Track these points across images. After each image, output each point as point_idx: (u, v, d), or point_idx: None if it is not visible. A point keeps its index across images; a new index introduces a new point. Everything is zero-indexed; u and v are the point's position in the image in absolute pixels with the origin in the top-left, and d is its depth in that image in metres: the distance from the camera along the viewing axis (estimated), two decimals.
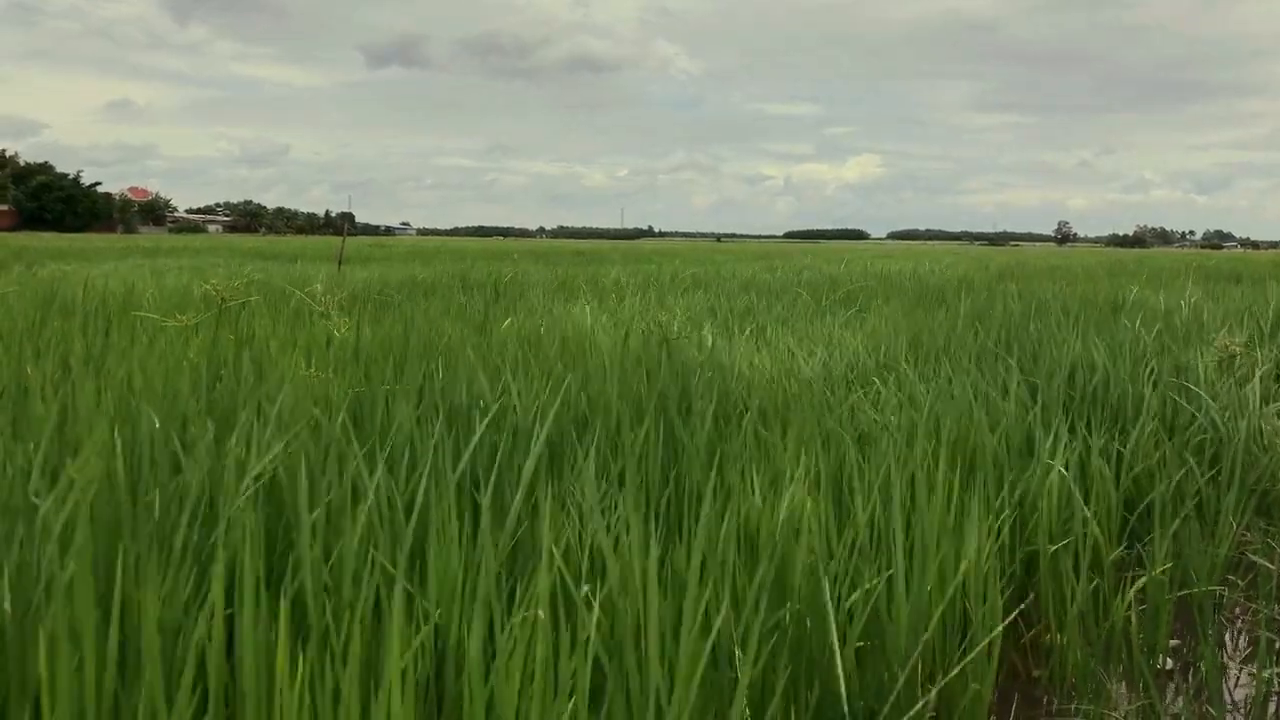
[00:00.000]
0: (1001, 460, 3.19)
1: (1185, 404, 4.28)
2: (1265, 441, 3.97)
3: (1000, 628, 2.34)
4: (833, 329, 6.58)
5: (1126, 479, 3.54)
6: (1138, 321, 6.51)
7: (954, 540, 2.39)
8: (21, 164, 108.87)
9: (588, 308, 7.43)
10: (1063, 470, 3.02)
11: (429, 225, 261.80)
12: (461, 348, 4.35)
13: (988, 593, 2.36)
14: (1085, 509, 2.98)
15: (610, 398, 3.32)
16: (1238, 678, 2.85)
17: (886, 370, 4.56)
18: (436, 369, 3.90)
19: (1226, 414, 4.08)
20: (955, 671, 2.19)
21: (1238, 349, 4.67)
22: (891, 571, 2.20)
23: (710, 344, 5.07)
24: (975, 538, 2.38)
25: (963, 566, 2.34)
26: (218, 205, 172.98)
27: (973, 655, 2.22)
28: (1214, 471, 3.73)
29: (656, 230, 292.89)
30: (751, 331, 6.32)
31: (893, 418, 3.50)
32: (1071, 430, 3.60)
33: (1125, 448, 3.66)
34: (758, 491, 2.44)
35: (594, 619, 1.69)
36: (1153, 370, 4.82)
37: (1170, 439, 3.85)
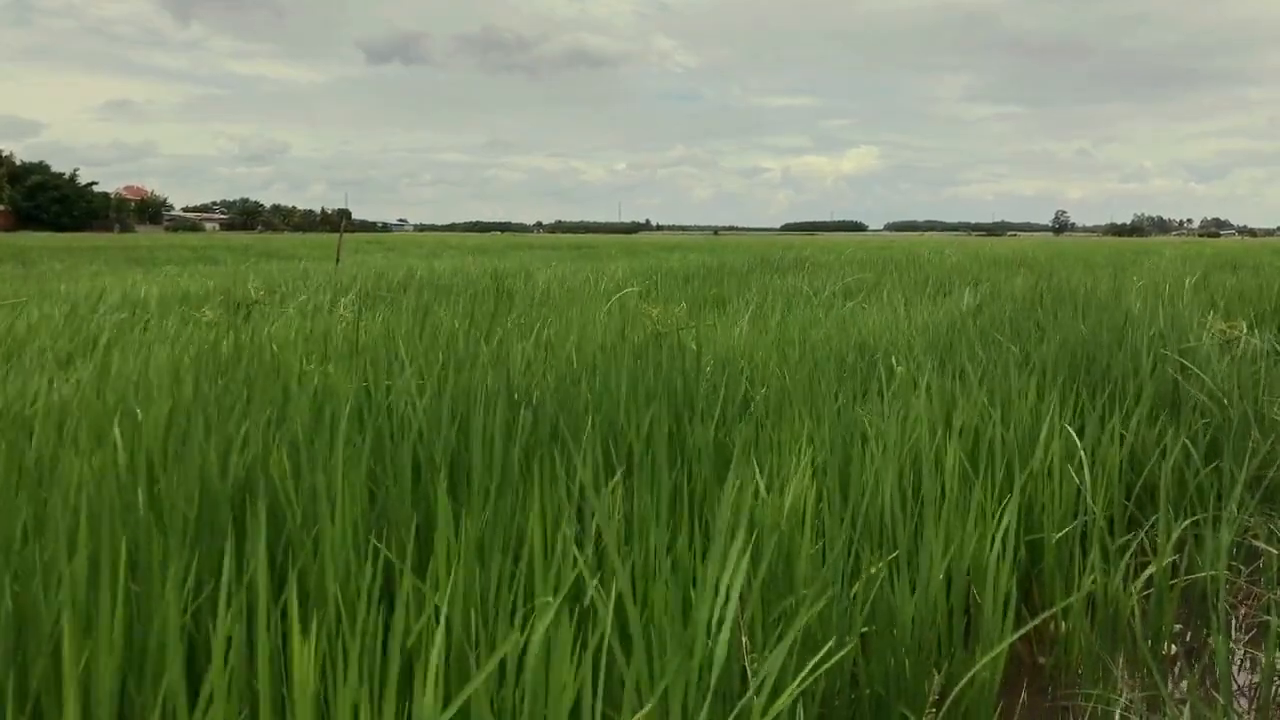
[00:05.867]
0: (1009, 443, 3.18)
1: (1188, 386, 4.28)
2: (1267, 424, 3.97)
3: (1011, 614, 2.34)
4: None
5: (1127, 464, 3.54)
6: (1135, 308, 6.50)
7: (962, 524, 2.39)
8: (17, 164, 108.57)
9: None
10: (1069, 454, 3.02)
11: (427, 221, 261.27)
12: None
13: (997, 579, 2.36)
14: (1091, 502, 2.98)
15: None
16: (1242, 662, 2.85)
17: None
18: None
19: (1229, 398, 4.07)
20: (973, 672, 2.18)
21: (1238, 333, 4.66)
22: (897, 553, 2.20)
23: None
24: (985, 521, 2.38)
25: (971, 551, 2.34)
26: (215, 203, 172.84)
27: (987, 657, 2.22)
28: (1216, 461, 3.73)
29: (654, 224, 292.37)
30: None
31: None
32: (1077, 410, 3.61)
33: (1127, 430, 3.66)
34: None
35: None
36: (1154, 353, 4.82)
37: (1173, 422, 3.85)
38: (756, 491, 2.35)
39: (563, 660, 1.56)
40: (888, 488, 2.50)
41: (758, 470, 2.49)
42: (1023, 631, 2.36)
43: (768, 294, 8.88)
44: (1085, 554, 2.87)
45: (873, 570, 2.20)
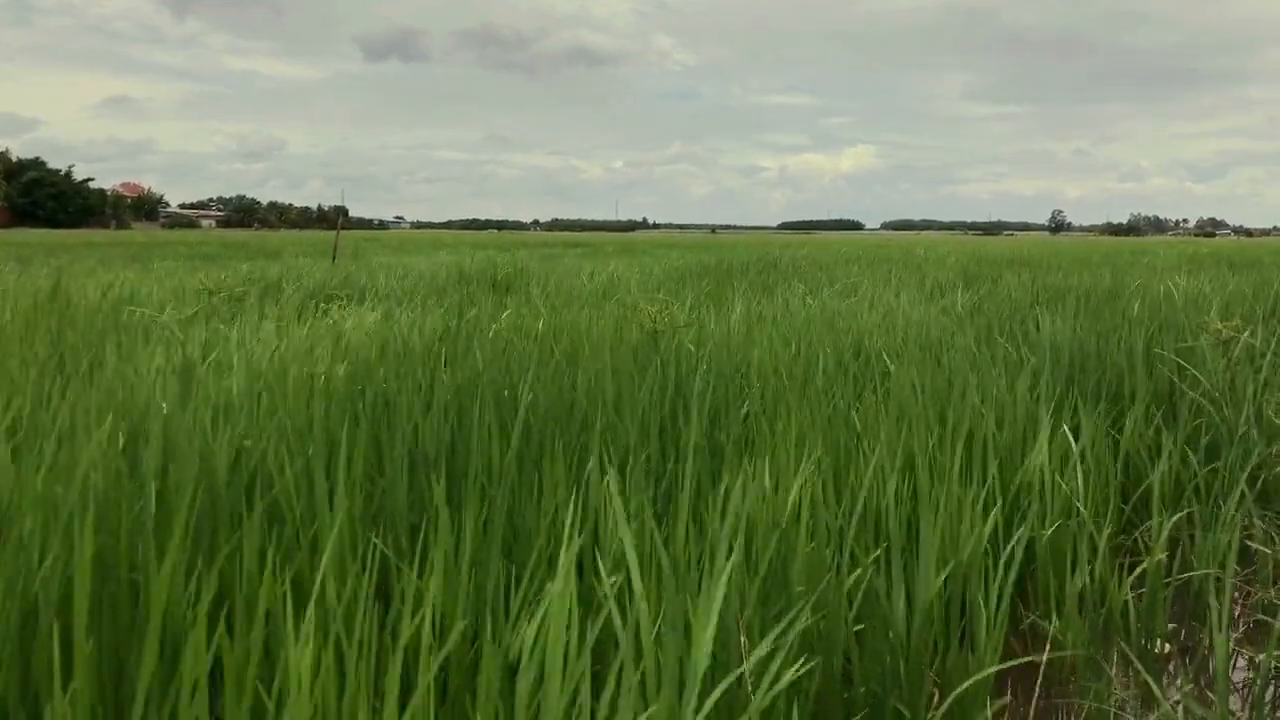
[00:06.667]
0: (1000, 442, 3.19)
1: (1185, 388, 4.29)
2: (1264, 425, 3.98)
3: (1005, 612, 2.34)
4: None
5: (1122, 463, 3.55)
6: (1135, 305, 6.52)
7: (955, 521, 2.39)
8: (13, 160, 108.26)
9: None
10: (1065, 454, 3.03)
11: (424, 218, 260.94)
12: None
13: (990, 580, 2.37)
14: (1080, 504, 2.99)
15: None
16: (1234, 661, 2.86)
17: None
18: None
19: (1226, 399, 4.08)
20: (966, 685, 2.18)
21: (1235, 333, 4.67)
22: (888, 543, 2.20)
23: None
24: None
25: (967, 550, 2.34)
26: (211, 200, 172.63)
27: (981, 674, 2.23)
28: (1214, 462, 3.74)
29: (651, 222, 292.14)
30: None
31: None
32: (1072, 411, 3.61)
33: (1122, 430, 3.67)
34: None
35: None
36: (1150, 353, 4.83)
37: (1169, 422, 3.86)
38: (749, 490, 2.35)
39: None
40: (889, 486, 2.50)
41: (752, 470, 2.49)
42: (1017, 663, 2.38)
43: (765, 293, 8.90)
44: (1080, 553, 2.88)
45: (867, 561, 2.21)
